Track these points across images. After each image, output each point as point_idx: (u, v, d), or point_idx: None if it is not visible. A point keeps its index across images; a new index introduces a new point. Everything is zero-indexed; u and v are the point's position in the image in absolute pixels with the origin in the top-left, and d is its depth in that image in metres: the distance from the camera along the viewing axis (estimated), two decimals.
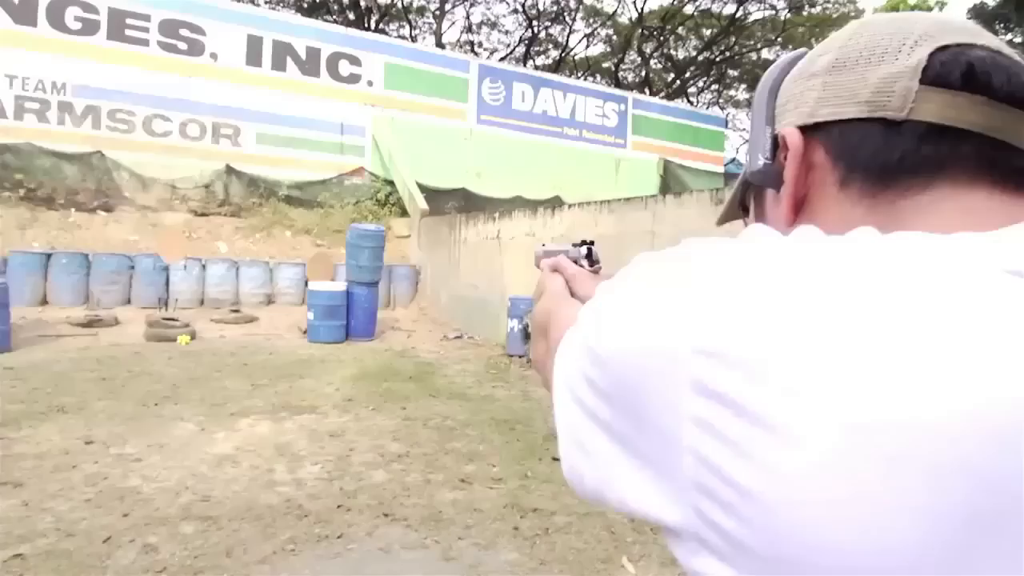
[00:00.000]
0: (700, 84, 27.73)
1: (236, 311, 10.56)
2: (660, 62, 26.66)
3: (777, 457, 0.26)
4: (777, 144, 0.46)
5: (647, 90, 24.26)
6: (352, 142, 14.71)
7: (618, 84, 23.96)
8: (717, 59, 25.75)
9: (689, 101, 25.26)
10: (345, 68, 14.84)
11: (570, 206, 9.61)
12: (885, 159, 0.40)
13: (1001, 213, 0.38)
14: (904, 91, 0.40)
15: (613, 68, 26.19)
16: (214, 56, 13.53)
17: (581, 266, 0.92)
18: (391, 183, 14.40)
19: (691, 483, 0.29)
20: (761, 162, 0.46)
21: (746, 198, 0.55)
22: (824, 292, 0.28)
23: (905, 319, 0.26)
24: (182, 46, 13.26)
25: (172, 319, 9.28)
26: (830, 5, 22.57)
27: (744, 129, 28.31)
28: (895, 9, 17.31)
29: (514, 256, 10.22)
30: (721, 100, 27.77)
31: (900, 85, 0.40)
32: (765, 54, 24.70)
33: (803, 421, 0.26)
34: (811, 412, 0.26)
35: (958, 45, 0.40)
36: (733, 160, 22.57)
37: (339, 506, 3.60)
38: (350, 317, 9.47)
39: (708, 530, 0.29)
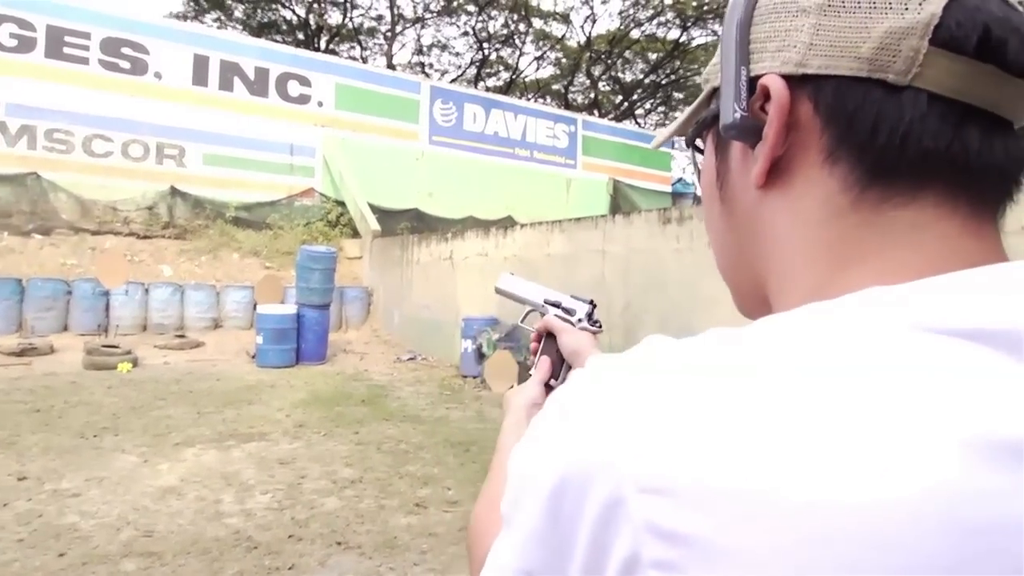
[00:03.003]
0: (647, 106, 28.42)
1: (181, 336, 10.25)
2: (608, 84, 27.25)
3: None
4: (753, 91, 0.38)
5: (596, 112, 24.74)
6: (302, 163, 14.54)
7: (568, 106, 24.37)
8: (663, 82, 26.46)
9: (637, 123, 25.85)
10: (295, 88, 14.70)
11: (522, 226, 9.68)
12: (886, 137, 0.34)
13: (954, 240, 0.35)
14: (911, 52, 0.34)
15: (563, 90, 26.65)
16: (158, 75, 13.22)
17: (583, 326, 0.92)
18: (342, 204, 14.27)
19: None
20: (738, 114, 0.38)
21: (700, 137, 0.47)
22: (745, 415, 0.28)
23: (838, 434, 0.26)
24: (124, 65, 12.92)
25: (112, 346, 8.94)
26: None
27: (689, 151, 29.07)
28: None
29: (467, 276, 10.21)
30: (667, 121, 28.45)
31: (907, 44, 0.34)
32: None
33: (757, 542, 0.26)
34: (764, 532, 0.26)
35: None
36: (679, 180, 23.13)
37: (290, 536, 3.51)
38: (300, 340, 9.29)
39: None
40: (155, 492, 4.08)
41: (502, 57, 26.18)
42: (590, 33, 24.13)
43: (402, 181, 15.06)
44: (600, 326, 0.93)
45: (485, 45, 24.91)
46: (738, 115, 0.38)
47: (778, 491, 0.25)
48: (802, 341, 0.30)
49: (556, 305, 0.96)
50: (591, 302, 0.95)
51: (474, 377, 8.79)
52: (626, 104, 27.12)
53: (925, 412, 0.26)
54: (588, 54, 24.57)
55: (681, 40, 23.86)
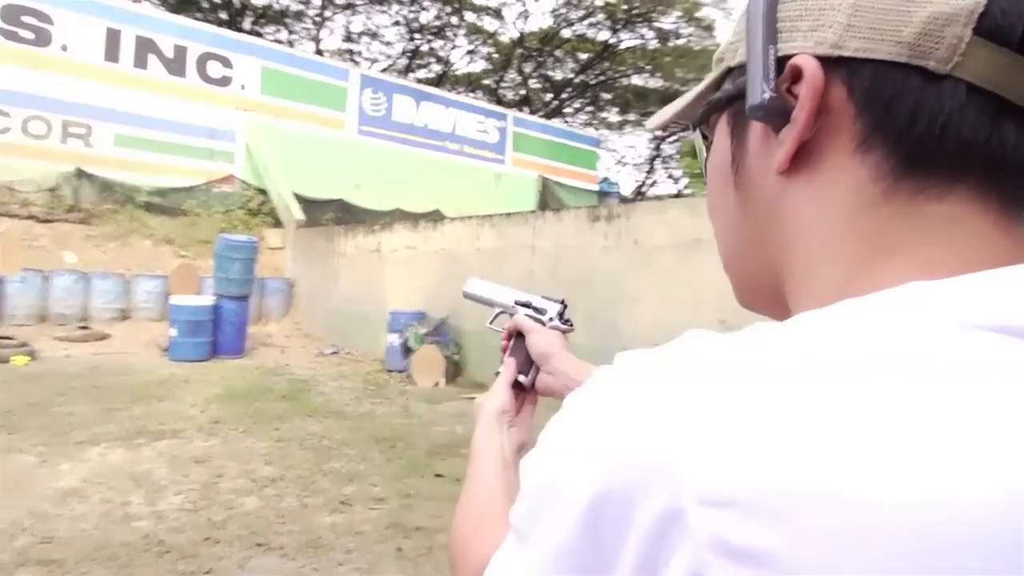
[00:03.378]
0: (576, 105, 28.78)
1: (85, 328, 9.62)
2: (539, 82, 27.43)
3: None
4: (781, 71, 0.36)
5: (526, 109, 24.87)
6: (222, 148, 13.92)
7: (499, 101, 24.39)
8: (592, 82, 26.86)
9: (565, 121, 26.13)
10: (216, 69, 14.05)
11: (452, 220, 9.62)
12: (925, 126, 0.33)
13: (987, 236, 0.34)
14: (955, 39, 0.32)
15: (494, 85, 26.63)
16: (64, 48, 12.35)
17: (553, 324, 0.90)
18: (264, 192, 13.76)
19: None
20: (767, 95, 0.35)
21: (710, 122, 0.45)
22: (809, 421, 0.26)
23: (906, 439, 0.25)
24: (26, 35, 12.00)
25: (6, 338, 8.31)
26: (692, 38, 24.21)
27: (615, 150, 29.70)
28: None
29: (395, 269, 10.06)
30: (595, 122, 28.93)
31: (951, 31, 0.32)
32: (636, 80, 26.08)
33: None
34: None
35: None
36: (605, 179, 23.58)
37: (206, 539, 3.35)
38: (217, 333, 8.91)
39: None
40: (55, 495, 3.80)
41: (434, 49, 25.91)
42: (523, 30, 24.23)
43: (328, 170, 14.65)
44: (571, 325, 0.92)
45: (416, 36, 24.59)
46: (767, 95, 0.35)
47: (864, 498, 0.24)
48: (856, 339, 0.28)
49: (526, 305, 0.95)
50: (562, 301, 0.94)
51: (400, 372, 8.67)
52: (556, 102, 27.38)
53: (995, 412, 0.25)
54: (520, 50, 24.65)
55: (610, 42, 24.29)
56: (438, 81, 24.00)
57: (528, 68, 26.06)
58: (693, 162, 19.85)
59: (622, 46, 24.53)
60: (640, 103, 26.25)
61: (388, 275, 10.19)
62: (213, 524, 3.53)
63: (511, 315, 0.95)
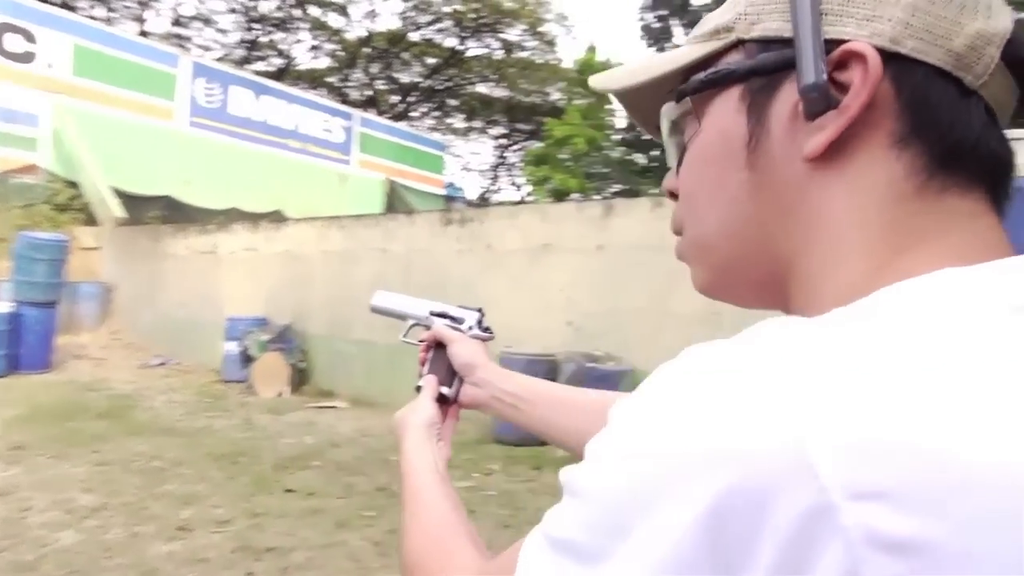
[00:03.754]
0: (423, 109, 28.69)
1: None
2: (385, 83, 27.00)
3: None
4: (827, 54, 0.35)
5: (373, 110, 24.40)
6: (21, 133, 12.21)
7: (344, 100, 23.67)
8: (439, 88, 26.91)
9: (412, 125, 25.97)
10: (15, 43, 12.29)
11: (296, 221, 9.17)
12: (961, 135, 0.35)
13: (997, 231, 0.37)
14: (990, 59, 0.35)
15: (338, 84, 25.82)
16: None
17: (474, 333, 0.88)
18: (75, 185, 12.24)
19: None
20: (824, 76, 0.35)
21: (704, 100, 0.43)
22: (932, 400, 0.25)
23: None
24: None
25: None
26: (536, 52, 25.07)
27: (460, 156, 30.03)
28: (587, 66, 19.91)
29: (234, 273, 9.41)
30: (441, 127, 29.01)
31: (989, 51, 0.35)
32: (481, 88, 26.51)
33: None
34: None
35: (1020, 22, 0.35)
36: (451, 184, 23.74)
37: None
38: (18, 345, 7.81)
39: None
40: None
41: (274, 41, 24.61)
42: (370, 29, 23.73)
43: (154, 164, 13.34)
44: (492, 333, 0.90)
45: (255, 26, 23.22)
46: (820, 79, 0.35)
47: (1014, 482, 0.23)
48: (937, 325, 0.28)
49: (442, 316, 0.91)
50: (479, 310, 0.92)
51: (239, 382, 8.11)
52: (403, 105, 27.11)
53: None
54: (366, 50, 24.13)
55: (457, 49, 24.50)
56: (279, 75, 22.79)
57: (375, 69, 25.58)
58: (536, 170, 20.46)
59: (469, 54, 24.84)
60: (485, 111, 26.73)
61: (225, 279, 9.50)
62: (21, 566, 3.05)
63: (426, 327, 0.92)
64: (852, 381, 0.26)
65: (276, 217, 12.25)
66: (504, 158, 28.52)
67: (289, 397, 7.67)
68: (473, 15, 22.43)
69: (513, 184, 28.86)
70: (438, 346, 0.87)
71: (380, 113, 23.97)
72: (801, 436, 0.25)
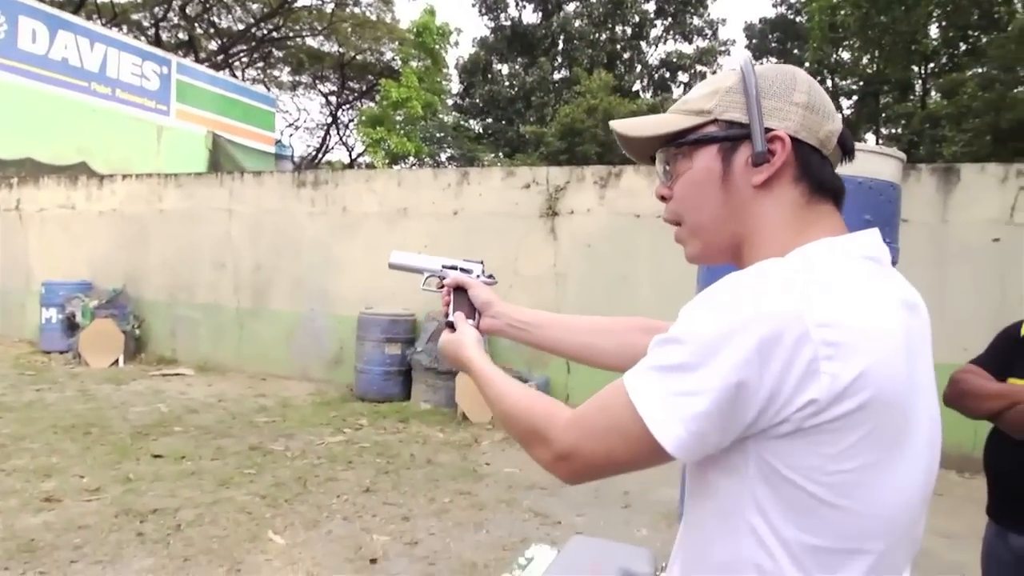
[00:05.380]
0: (246, 60, 26.69)
1: None
2: (204, 28, 24.73)
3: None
4: (765, 134, 0.70)
5: (191, 56, 22.31)
6: None
7: (157, 43, 21.40)
8: (264, 37, 25.18)
9: (234, 75, 24.12)
10: None
11: (124, 177, 8.43)
12: (821, 176, 0.72)
13: (841, 221, 0.74)
14: (832, 142, 0.73)
15: (147, 24, 23.22)
16: None
17: (483, 279, 1.13)
18: None
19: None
20: (763, 148, 0.69)
21: (693, 149, 0.75)
22: (848, 289, 0.62)
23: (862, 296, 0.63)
24: None
25: None
26: (370, 8, 24.26)
27: (287, 112, 28.43)
28: (425, 28, 19.66)
29: (46, 233, 8.50)
30: (265, 79, 27.22)
31: (833, 139, 0.73)
32: (311, 41, 25.15)
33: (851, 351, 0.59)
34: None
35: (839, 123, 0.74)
36: (278, 142, 22.50)
37: None
38: None
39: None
40: None
41: None
42: None
43: None
44: (494, 279, 1.16)
45: None
46: (764, 148, 0.70)
47: (863, 324, 0.61)
48: (831, 262, 0.66)
49: (454, 268, 1.15)
50: (481, 262, 1.17)
51: (63, 352, 7.46)
52: (223, 54, 25.02)
53: (883, 288, 0.66)
54: None
55: None
56: (76, 9, 20.07)
57: (192, 11, 23.30)
58: (371, 131, 19.95)
59: (298, 3, 23.47)
60: (315, 65, 25.43)
61: (35, 240, 8.55)
62: None
63: (440, 278, 1.15)
64: (812, 283, 0.61)
65: (80, 169, 11.11)
66: (336, 117, 27.41)
67: (125, 366, 7.20)
68: None
69: (344, 144, 27.84)
70: (458, 290, 1.11)
71: (199, 61, 22.04)
72: (799, 308, 0.59)
